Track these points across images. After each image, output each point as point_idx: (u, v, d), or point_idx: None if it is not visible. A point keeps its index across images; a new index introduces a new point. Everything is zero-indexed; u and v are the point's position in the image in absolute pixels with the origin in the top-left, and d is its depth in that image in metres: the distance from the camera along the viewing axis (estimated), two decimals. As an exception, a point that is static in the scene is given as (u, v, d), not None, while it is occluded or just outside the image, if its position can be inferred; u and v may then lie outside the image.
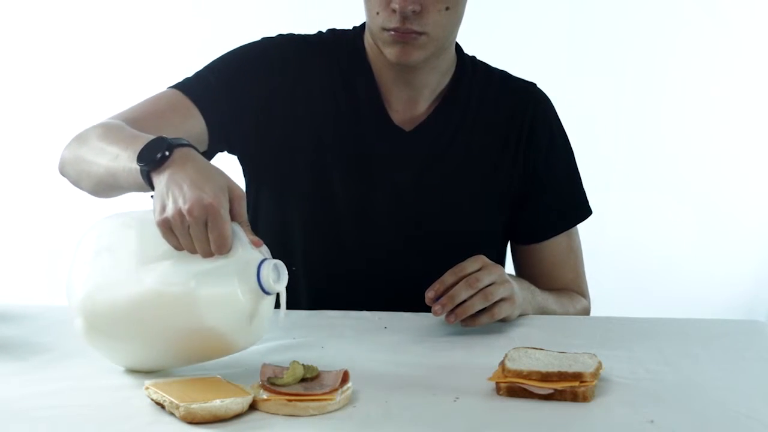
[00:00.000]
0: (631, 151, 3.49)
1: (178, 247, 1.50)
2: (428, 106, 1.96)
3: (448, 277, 1.74)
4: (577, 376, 1.50)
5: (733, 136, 3.48)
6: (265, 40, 1.98)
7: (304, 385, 1.48)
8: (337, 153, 1.94)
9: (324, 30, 2.01)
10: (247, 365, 1.60)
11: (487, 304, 1.75)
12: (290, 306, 1.85)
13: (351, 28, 2.00)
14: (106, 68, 3.46)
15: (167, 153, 1.54)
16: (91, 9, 3.47)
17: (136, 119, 1.83)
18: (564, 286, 2.02)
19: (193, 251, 1.49)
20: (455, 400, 1.50)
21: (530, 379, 1.50)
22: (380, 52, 1.89)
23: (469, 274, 1.75)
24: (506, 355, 1.56)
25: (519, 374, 1.51)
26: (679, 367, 1.63)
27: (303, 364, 1.51)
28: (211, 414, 1.42)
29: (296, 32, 2.00)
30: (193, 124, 1.88)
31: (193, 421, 1.42)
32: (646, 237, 3.41)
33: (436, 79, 1.95)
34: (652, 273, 3.28)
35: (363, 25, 1.97)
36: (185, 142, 1.57)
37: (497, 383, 1.52)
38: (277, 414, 1.45)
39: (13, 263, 3.47)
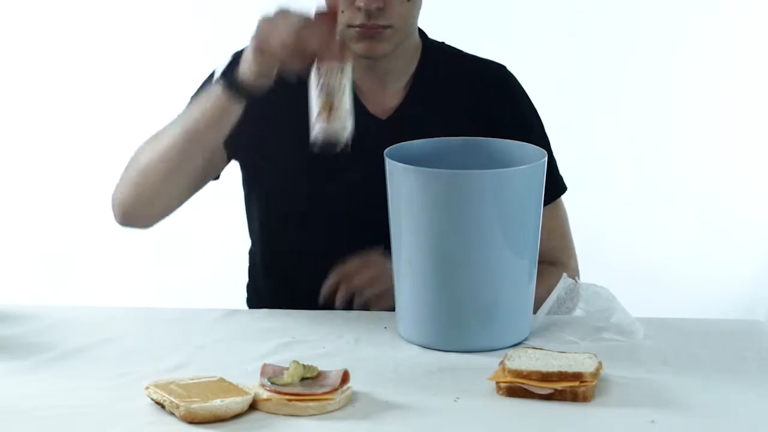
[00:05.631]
0: (631, 151, 3.49)
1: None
2: (399, 93, 2.00)
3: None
4: (577, 376, 1.50)
5: (734, 137, 3.48)
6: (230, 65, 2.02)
7: (304, 385, 1.49)
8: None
9: None
10: (247, 365, 1.60)
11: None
12: (286, 303, 1.87)
13: None
14: (106, 68, 3.46)
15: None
16: (91, 9, 3.47)
17: None
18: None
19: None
20: (455, 400, 1.50)
21: (530, 379, 1.50)
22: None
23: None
24: (506, 355, 1.57)
25: (519, 374, 1.51)
26: (679, 367, 1.63)
27: (303, 364, 1.51)
28: (211, 414, 1.42)
29: None
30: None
31: (193, 421, 1.42)
32: (646, 237, 3.41)
33: (401, 65, 1.99)
34: (652, 273, 3.28)
35: None
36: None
37: (497, 383, 1.52)
38: (277, 414, 1.45)
39: (12, 263, 3.47)
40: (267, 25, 1.77)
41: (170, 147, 1.90)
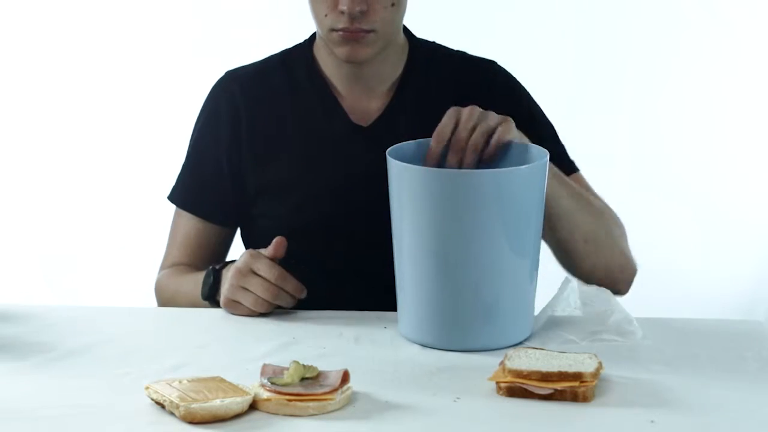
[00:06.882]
0: (632, 150, 3.49)
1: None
2: (383, 99, 1.99)
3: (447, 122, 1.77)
4: (577, 376, 1.50)
5: (734, 137, 3.48)
6: (211, 96, 2.04)
7: (304, 385, 1.49)
8: (305, 161, 1.97)
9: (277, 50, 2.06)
10: (247, 365, 1.60)
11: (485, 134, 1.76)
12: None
13: (303, 40, 2.03)
14: (106, 69, 3.46)
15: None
16: (90, 9, 3.47)
17: (176, 263, 2.03)
18: None
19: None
20: (455, 400, 1.50)
21: (530, 379, 1.50)
22: (330, 53, 1.94)
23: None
24: (506, 355, 1.57)
25: (519, 374, 1.51)
26: (679, 367, 1.63)
27: (303, 364, 1.51)
28: (211, 414, 1.42)
29: (262, 51, 2.06)
30: (211, 227, 2.03)
31: (193, 421, 1.42)
32: (646, 237, 3.41)
33: (386, 70, 1.98)
34: (652, 273, 3.28)
35: (314, 34, 2.01)
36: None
37: (497, 383, 1.52)
38: (277, 414, 1.45)
39: (12, 264, 3.47)
40: (239, 279, 1.79)
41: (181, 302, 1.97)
